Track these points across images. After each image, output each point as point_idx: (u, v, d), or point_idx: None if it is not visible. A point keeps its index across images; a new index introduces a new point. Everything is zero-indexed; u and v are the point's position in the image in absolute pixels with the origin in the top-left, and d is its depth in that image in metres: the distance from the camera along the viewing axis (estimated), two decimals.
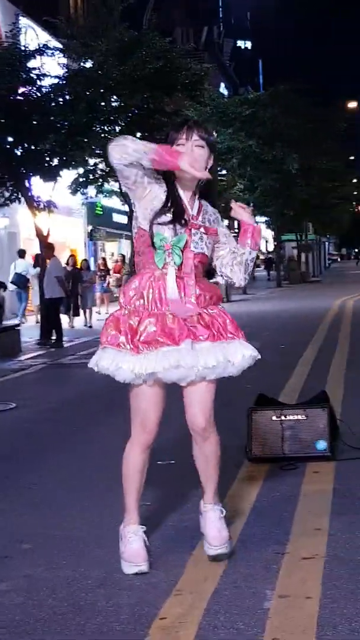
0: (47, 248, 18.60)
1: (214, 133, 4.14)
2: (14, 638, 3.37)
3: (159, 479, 5.72)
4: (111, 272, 29.27)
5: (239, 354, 4.07)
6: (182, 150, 4.00)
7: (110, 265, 30.52)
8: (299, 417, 5.93)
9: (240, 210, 4.22)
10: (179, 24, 59.87)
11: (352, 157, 64.27)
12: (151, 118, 23.16)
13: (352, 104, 50.67)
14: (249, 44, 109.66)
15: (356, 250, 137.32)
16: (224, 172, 34.60)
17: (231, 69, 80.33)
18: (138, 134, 23.88)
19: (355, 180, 61.67)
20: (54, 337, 17.34)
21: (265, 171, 35.79)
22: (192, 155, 3.98)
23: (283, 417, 5.94)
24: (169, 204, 4.02)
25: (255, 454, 5.95)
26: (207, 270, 4.24)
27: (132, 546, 4.05)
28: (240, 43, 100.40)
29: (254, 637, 3.24)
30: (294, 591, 3.64)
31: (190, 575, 3.92)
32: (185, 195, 4.10)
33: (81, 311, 22.93)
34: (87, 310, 23.06)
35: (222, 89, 65.06)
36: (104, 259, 31.79)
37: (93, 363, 4.11)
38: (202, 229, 4.09)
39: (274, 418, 5.98)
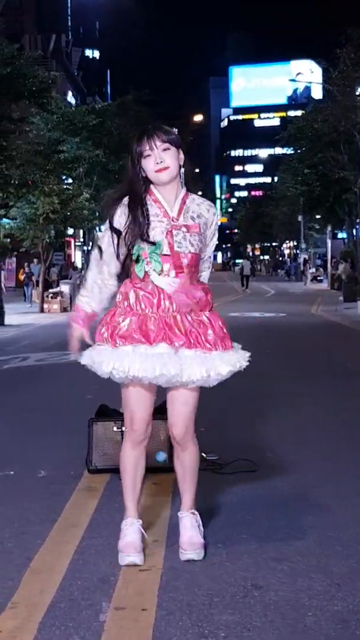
0: None
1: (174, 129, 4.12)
2: None
3: None
4: None
5: (204, 369, 4.08)
6: (149, 160, 4.10)
7: None
8: None
9: None
10: (28, 31, 59.42)
11: (197, 170, 65.23)
12: None
13: (198, 117, 51.46)
14: (97, 54, 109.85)
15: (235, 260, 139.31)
16: (69, 180, 34.49)
17: (79, 78, 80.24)
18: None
19: (200, 193, 62.54)
20: None
21: (111, 181, 35.88)
22: None
23: (124, 428, 5.95)
24: (130, 220, 4.10)
25: (96, 465, 5.96)
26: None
27: (126, 538, 4.19)
28: (88, 52, 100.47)
29: None
30: (130, 603, 3.67)
31: (26, 588, 3.88)
32: (166, 198, 4.16)
33: None
34: None
35: (70, 98, 64.93)
36: None
37: (82, 357, 4.20)
38: (183, 228, 4.12)
39: (114, 429, 6.00)
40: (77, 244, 59.51)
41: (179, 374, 4.04)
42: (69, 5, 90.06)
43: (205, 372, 4.09)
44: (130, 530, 4.24)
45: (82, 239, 51.77)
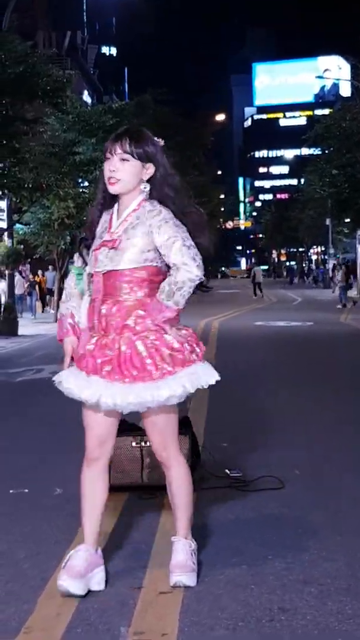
0: None
1: (154, 142, 4.03)
2: None
3: (10, 508, 5.68)
4: None
5: (118, 398, 4.03)
6: (106, 165, 4.12)
7: None
8: None
9: None
10: (42, 28, 59.68)
11: (219, 172, 65.39)
12: (10, 125, 22.96)
13: (220, 117, 51.48)
14: (114, 51, 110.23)
15: (222, 268, 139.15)
16: (85, 183, 34.57)
17: (95, 76, 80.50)
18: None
19: (222, 196, 62.66)
20: None
21: None
22: None
23: (143, 444, 5.97)
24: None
25: (113, 482, 5.96)
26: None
27: (69, 561, 4.10)
28: (105, 50, 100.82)
29: None
30: (149, 627, 3.67)
31: (42, 612, 3.90)
32: (121, 207, 4.17)
33: None
34: None
35: (86, 97, 65.10)
36: None
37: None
38: (110, 244, 4.08)
39: (133, 444, 6.01)
40: None
41: (97, 399, 4.04)
42: (84, 0, 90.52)
43: (124, 400, 4.02)
44: (78, 555, 4.13)
45: None
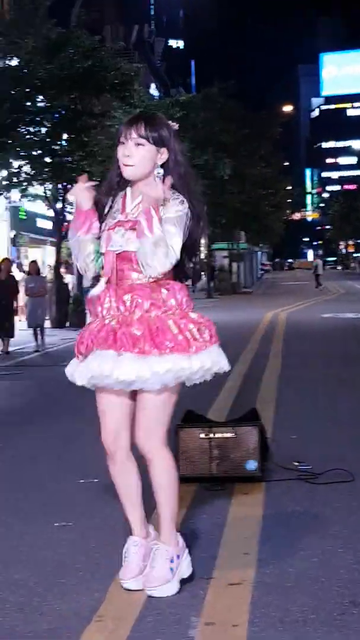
0: None
1: (170, 123, 4.04)
2: None
3: (81, 497, 5.73)
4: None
5: (146, 370, 3.91)
6: (120, 149, 4.02)
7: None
8: (228, 435, 5.97)
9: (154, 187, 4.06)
10: (109, 22, 59.90)
11: (286, 163, 64.99)
12: (79, 119, 23.11)
13: (288, 108, 51.05)
14: (181, 44, 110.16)
15: (290, 260, 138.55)
16: None
17: (162, 69, 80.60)
18: (64, 136, 23.80)
19: (289, 188, 62.30)
20: None
21: (197, 176, 35.92)
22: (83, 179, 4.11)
23: (211, 435, 5.98)
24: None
25: (182, 473, 5.97)
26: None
27: (126, 559, 4.09)
28: (172, 42, 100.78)
29: None
30: (220, 618, 3.67)
31: (113, 601, 3.92)
32: (134, 192, 4.09)
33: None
34: (39, 330, 18.60)
35: (153, 90, 65.17)
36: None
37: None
38: (128, 224, 4.01)
39: (202, 436, 6.01)
40: None
41: (109, 374, 3.92)
42: None
43: (139, 373, 3.90)
44: (131, 552, 4.09)
45: None
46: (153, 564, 4.00)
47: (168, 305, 4.04)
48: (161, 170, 4.07)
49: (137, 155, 4.00)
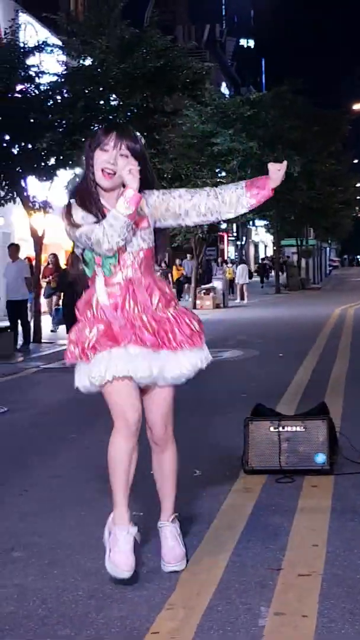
0: (13, 249, 18.31)
1: (141, 139, 4.17)
2: None
3: (150, 488, 5.74)
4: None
5: (175, 367, 4.10)
6: (103, 155, 4.02)
7: None
8: (298, 428, 5.94)
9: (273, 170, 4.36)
10: (181, 22, 59.94)
11: (355, 161, 64.38)
12: (151, 117, 23.18)
13: (358, 105, 50.50)
14: (251, 43, 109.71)
15: (358, 256, 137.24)
16: (223, 173, 34.61)
17: (233, 68, 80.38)
18: (137, 134, 23.95)
19: (359, 185, 61.71)
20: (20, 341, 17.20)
21: (265, 173, 35.70)
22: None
23: (281, 429, 5.95)
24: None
25: (252, 465, 5.96)
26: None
27: (120, 549, 3.98)
28: (242, 42, 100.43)
29: None
30: (289, 609, 3.65)
31: (183, 589, 3.93)
32: (109, 203, 4.06)
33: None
34: None
35: (224, 89, 65.08)
36: None
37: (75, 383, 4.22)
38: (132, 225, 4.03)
39: (271, 429, 5.98)
40: (230, 238, 59.70)
41: (158, 374, 4.07)
42: None
43: (178, 370, 4.11)
44: (125, 541, 4.00)
45: (235, 234, 51.91)
46: (168, 543, 4.19)
47: (174, 299, 4.24)
48: (135, 163, 3.99)
49: (120, 165, 4.00)
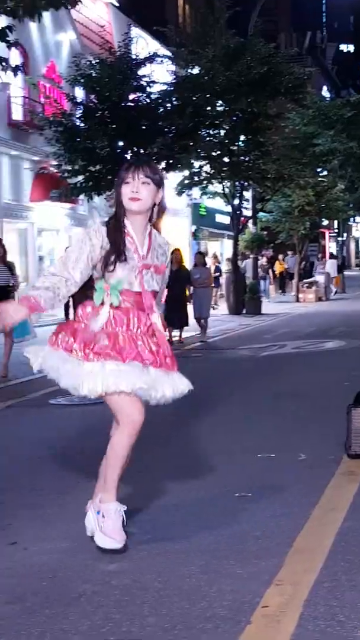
0: None
1: (160, 170, 4.58)
2: (122, 618, 3.42)
3: (258, 471, 5.75)
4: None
5: (168, 388, 4.24)
6: (127, 187, 4.23)
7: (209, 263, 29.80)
8: None
9: None
10: (283, 30, 59.58)
11: None
12: (255, 121, 23.20)
13: None
14: (351, 48, 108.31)
15: None
16: (324, 173, 34.29)
17: (334, 72, 79.45)
18: (242, 137, 23.93)
19: None
20: None
21: None
22: None
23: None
24: (110, 245, 4.22)
25: (355, 450, 5.91)
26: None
27: (116, 523, 4.22)
28: (342, 47, 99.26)
29: (354, 630, 3.23)
30: None
31: (290, 567, 3.91)
32: (136, 233, 4.29)
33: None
34: (203, 320, 17.41)
35: (325, 92, 64.38)
36: (215, 255, 32.13)
37: (36, 361, 4.24)
38: (152, 269, 4.29)
39: None
40: (331, 234, 59.10)
41: (153, 390, 4.19)
42: (324, 1, 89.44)
43: (172, 391, 4.26)
44: (116, 516, 4.24)
45: (336, 230, 51.38)
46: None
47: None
48: (156, 208, 4.32)
49: (144, 191, 4.24)
